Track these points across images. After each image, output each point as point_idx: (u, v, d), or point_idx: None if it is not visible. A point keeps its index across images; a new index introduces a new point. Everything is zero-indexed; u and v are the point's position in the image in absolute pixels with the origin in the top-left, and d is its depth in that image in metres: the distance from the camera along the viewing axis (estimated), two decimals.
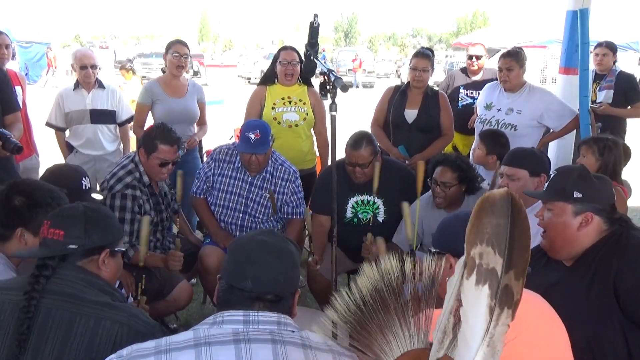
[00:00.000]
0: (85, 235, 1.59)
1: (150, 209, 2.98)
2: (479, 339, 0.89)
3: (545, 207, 2.05)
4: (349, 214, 3.26)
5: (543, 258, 2.10)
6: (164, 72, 4.08)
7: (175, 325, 3.38)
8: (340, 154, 3.05)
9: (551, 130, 3.91)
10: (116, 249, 1.69)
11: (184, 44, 4.00)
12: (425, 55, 3.88)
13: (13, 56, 4.06)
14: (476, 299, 0.90)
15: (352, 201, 3.24)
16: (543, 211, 2.06)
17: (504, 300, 0.89)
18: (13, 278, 1.71)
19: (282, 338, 1.22)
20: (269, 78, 3.92)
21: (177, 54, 3.89)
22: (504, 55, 3.83)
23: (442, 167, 2.97)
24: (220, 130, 4.42)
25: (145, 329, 1.47)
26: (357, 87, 24.29)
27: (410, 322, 1.03)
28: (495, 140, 3.45)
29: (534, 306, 1.47)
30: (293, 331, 1.25)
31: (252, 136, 3.01)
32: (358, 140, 3.07)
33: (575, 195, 1.94)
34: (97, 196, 2.63)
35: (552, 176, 2.10)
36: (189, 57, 4.01)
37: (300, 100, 3.83)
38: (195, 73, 23.37)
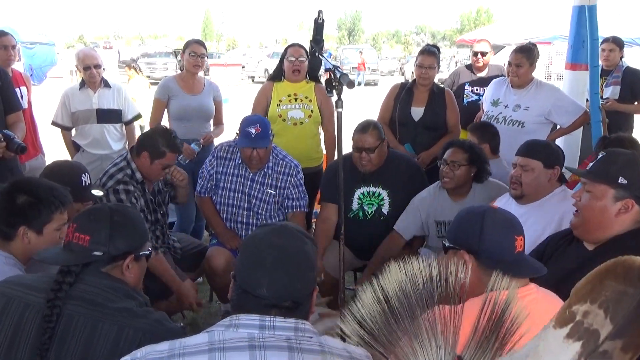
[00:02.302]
0: (110, 242, 1.55)
1: (144, 205, 2.97)
2: None
3: (584, 189, 1.97)
4: (355, 205, 3.25)
5: (564, 243, 2.06)
6: (182, 69, 4.16)
7: (181, 324, 3.37)
8: (347, 151, 3.05)
9: (558, 127, 3.89)
10: (140, 253, 1.65)
11: (201, 44, 4.09)
12: (431, 53, 3.87)
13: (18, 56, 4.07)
14: (559, 350, 0.81)
15: (358, 192, 3.24)
16: (581, 192, 1.98)
17: None
18: (38, 276, 1.68)
19: (300, 345, 1.18)
20: (276, 75, 3.93)
21: (194, 54, 3.96)
22: (515, 51, 3.80)
23: (453, 147, 2.98)
24: (225, 129, 4.41)
25: (168, 334, 1.42)
26: (360, 84, 24.19)
27: (438, 330, 0.96)
28: (485, 129, 3.49)
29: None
30: (311, 337, 1.21)
31: (253, 130, 2.99)
32: (365, 126, 3.11)
33: (620, 181, 1.88)
34: (97, 192, 2.63)
35: (598, 157, 2.01)
36: (206, 57, 4.06)
37: (306, 97, 3.82)
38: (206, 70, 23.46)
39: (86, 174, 2.53)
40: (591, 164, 2.03)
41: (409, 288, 1.01)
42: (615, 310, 0.78)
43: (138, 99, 6.49)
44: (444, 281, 1.02)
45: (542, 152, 2.64)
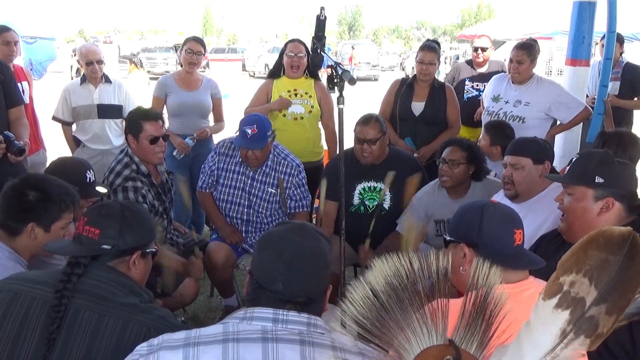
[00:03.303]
0: (119, 236, 1.58)
1: (153, 199, 2.98)
2: (539, 355, 0.86)
3: (565, 192, 2.01)
4: (356, 200, 3.27)
5: (556, 243, 2.09)
6: (181, 65, 4.21)
7: (182, 319, 3.39)
8: (346, 145, 3.06)
9: (558, 122, 3.90)
10: (147, 250, 1.67)
11: (199, 42, 4.10)
12: (431, 49, 3.87)
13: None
14: (550, 320, 0.86)
15: (359, 187, 3.26)
16: (563, 195, 2.03)
17: (584, 329, 0.84)
18: (43, 272, 1.70)
19: (311, 339, 1.20)
20: (276, 71, 3.93)
21: (190, 51, 3.99)
22: (516, 47, 3.78)
23: (452, 146, 3.01)
24: (226, 124, 4.42)
25: (171, 330, 1.42)
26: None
27: (427, 318, 1.01)
28: (499, 131, 3.45)
29: None
30: (323, 333, 1.23)
31: (249, 131, 3.00)
32: (367, 118, 3.15)
33: (596, 180, 1.91)
34: (102, 189, 2.65)
35: (574, 159, 2.05)
36: (203, 55, 4.07)
37: (306, 93, 3.83)
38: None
39: (90, 170, 2.56)
40: (568, 167, 2.06)
41: (395, 282, 1.05)
42: (599, 277, 0.83)
43: (136, 94, 6.50)
44: (426, 271, 1.06)
45: (531, 148, 2.64)
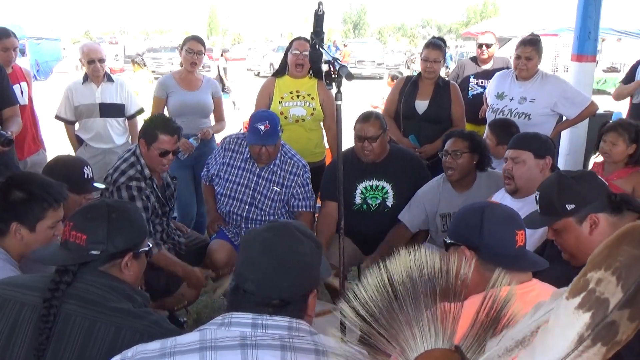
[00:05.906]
0: (108, 240, 1.51)
1: (155, 200, 2.97)
2: None
3: (551, 229, 1.98)
4: (357, 199, 3.24)
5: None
6: (181, 65, 4.17)
7: (185, 319, 3.37)
8: (347, 145, 3.03)
9: (564, 119, 3.85)
10: (140, 250, 1.61)
11: (199, 41, 4.05)
12: (437, 46, 3.83)
13: (23, 52, 4.04)
14: (569, 323, 0.80)
15: (361, 186, 3.23)
16: (553, 233, 1.99)
17: (602, 335, 0.77)
18: (33, 275, 1.65)
19: (293, 344, 1.16)
20: (281, 70, 3.90)
21: (190, 51, 3.96)
22: (524, 43, 3.72)
23: (454, 137, 2.99)
24: (230, 123, 4.41)
25: (165, 336, 1.37)
26: None
27: (438, 320, 0.98)
28: (505, 130, 3.39)
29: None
30: (304, 336, 1.20)
31: (262, 127, 2.98)
32: (367, 115, 3.13)
33: (568, 208, 1.87)
34: (100, 185, 2.64)
35: (537, 199, 2.01)
36: (203, 54, 4.04)
37: (308, 95, 3.78)
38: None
39: (88, 166, 2.55)
40: (537, 207, 2.02)
41: (415, 275, 1.02)
42: (628, 276, 0.76)
43: (140, 92, 6.52)
44: (446, 274, 1.03)
45: (532, 142, 2.62)
